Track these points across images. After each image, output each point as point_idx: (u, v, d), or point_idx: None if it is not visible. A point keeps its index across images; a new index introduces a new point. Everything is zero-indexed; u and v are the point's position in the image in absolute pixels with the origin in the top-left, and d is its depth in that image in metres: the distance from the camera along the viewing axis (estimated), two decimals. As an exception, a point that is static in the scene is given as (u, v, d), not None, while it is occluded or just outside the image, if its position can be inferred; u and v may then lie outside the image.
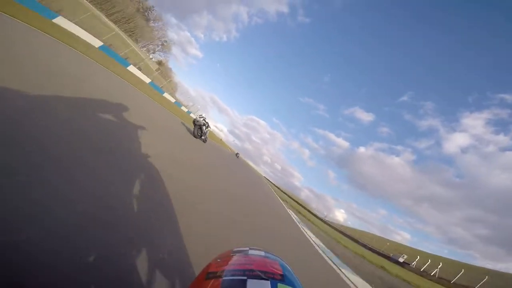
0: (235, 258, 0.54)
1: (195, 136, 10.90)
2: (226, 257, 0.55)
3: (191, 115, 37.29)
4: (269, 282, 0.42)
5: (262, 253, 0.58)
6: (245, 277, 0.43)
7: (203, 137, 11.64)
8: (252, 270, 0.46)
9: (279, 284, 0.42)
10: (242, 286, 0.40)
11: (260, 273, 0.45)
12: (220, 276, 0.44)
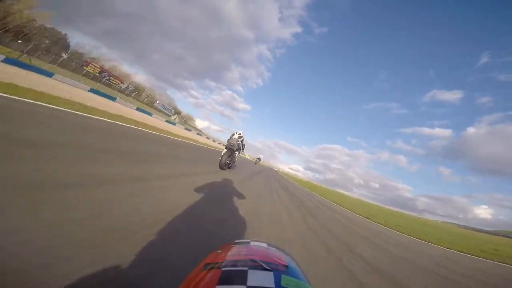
0: (236, 249, 0.52)
1: (221, 167, 7.60)
2: (225, 249, 0.53)
3: (177, 126, 38.62)
4: (272, 273, 0.40)
5: (265, 245, 0.55)
6: (246, 268, 0.40)
7: (230, 165, 8.72)
8: (253, 261, 0.43)
9: (283, 276, 0.40)
10: (243, 277, 0.37)
11: (262, 264, 0.42)
12: (219, 267, 0.42)
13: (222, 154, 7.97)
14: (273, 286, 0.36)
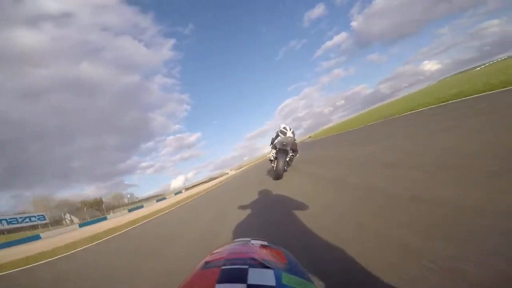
0: (235, 248, 0.50)
1: (278, 176, 5.64)
2: (225, 247, 0.52)
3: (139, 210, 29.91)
4: (272, 271, 0.38)
5: (265, 243, 0.55)
6: (246, 266, 0.39)
7: (288, 169, 6.58)
8: (253, 259, 0.42)
9: (283, 274, 0.39)
10: (243, 275, 0.36)
11: (262, 262, 0.41)
12: (218, 266, 0.41)
13: (274, 158, 5.79)
14: (274, 284, 0.35)
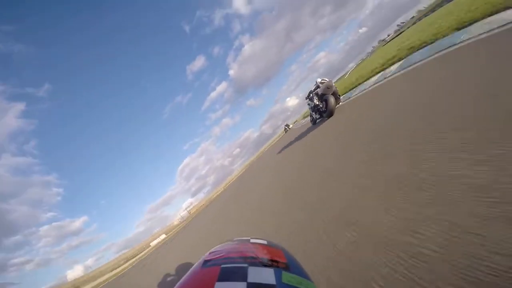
0: (235, 247, 0.50)
1: (331, 112, 6.09)
2: (225, 246, 0.51)
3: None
4: (272, 269, 0.38)
5: (265, 242, 0.54)
6: (246, 265, 0.39)
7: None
8: (253, 258, 0.42)
9: (283, 273, 0.38)
10: (242, 274, 0.36)
11: (262, 261, 0.41)
12: (218, 264, 0.40)
13: (319, 102, 6.22)
14: (274, 282, 0.35)
